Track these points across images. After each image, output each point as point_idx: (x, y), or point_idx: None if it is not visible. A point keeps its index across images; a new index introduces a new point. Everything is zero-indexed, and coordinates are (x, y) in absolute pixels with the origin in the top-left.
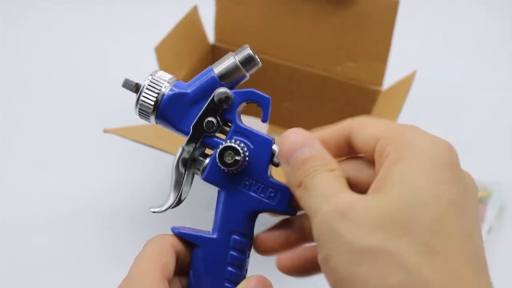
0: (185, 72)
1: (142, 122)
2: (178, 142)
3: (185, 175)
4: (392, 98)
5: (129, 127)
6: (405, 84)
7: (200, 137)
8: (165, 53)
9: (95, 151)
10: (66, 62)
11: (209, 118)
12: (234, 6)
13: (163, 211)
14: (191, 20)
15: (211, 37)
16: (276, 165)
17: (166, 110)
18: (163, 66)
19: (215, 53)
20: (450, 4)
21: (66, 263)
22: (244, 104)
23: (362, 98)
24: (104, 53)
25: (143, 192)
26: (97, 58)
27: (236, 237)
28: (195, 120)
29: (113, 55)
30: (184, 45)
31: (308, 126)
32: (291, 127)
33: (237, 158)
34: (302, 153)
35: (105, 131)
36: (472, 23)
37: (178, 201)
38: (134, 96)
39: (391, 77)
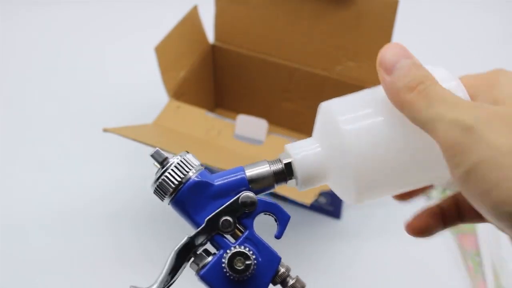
0: (185, 72)
1: (141, 121)
2: (178, 141)
3: (183, 266)
4: None
5: (129, 126)
6: None
7: (211, 233)
8: (165, 53)
9: (95, 151)
10: (66, 62)
11: (227, 217)
12: (234, 6)
13: None
14: (191, 20)
15: (211, 37)
16: (275, 284)
17: (186, 196)
18: (163, 66)
19: (215, 53)
20: (450, 4)
21: (66, 263)
22: (261, 213)
23: None
24: (104, 53)
25: (143, 191)
26: (97, 57)
27: None
28: (212, 214)
29: (113, 55)
30: (184, 45)
31: (308, 126)
32: (291, 126)
33: (248, 263)
34: (412, 59)
35: (105, 130)
36: (472, 23)
37: (168, 287)
38: (134, 97)
39: None
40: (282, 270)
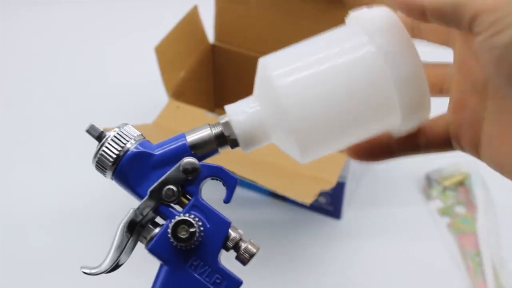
0: (185, 72)
1: (141, 121)
2: None
3: (130, 240)
4: None
5: None
6: None
7: (155, 203)
8: (165, 53)
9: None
10: (66, 62)
11: (170, 186)
12: (234, 6)
13: (96, 275)
14: (191, 20)
15: (211, 37)
16: (228, 249)
17: (127, 168)
18: (163, 66)
19: (215, 53)
20: None
21: (66, 263)
22: (208, 179)
23: None
24: (104, 53)
25: None
26: (97, 57)
27: None
28: (154, 185)
29: (113, 55)
30: (184, 45)
31: None
32: None
33: (192, 230)
34: None
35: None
36: None
37: (116, 266)
38: (134, 97)
39: None
40: (233, 234)
